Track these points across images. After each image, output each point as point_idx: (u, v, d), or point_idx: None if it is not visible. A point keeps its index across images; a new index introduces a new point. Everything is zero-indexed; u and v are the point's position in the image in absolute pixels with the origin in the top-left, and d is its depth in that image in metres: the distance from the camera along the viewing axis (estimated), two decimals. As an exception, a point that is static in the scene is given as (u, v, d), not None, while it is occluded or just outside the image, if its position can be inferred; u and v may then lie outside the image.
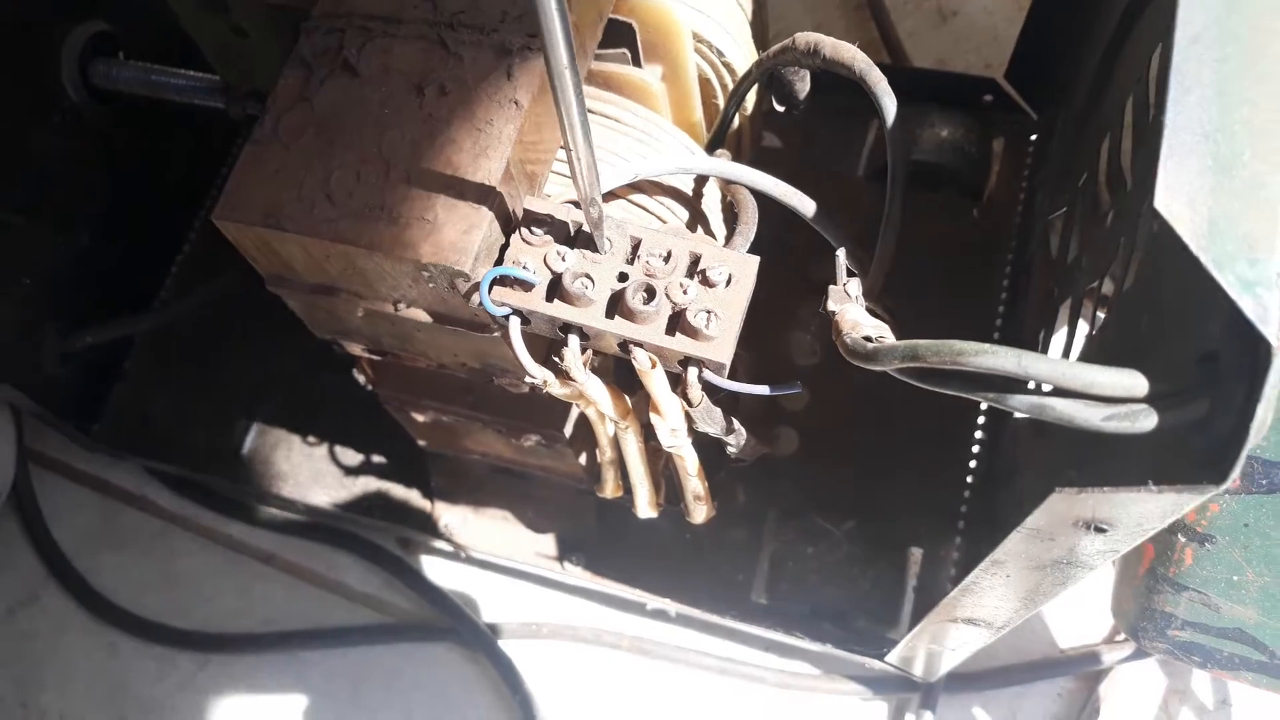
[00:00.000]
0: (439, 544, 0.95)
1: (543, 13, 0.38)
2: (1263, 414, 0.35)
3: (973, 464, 0.89)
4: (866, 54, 0.59)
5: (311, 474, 0.98)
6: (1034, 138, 1.01)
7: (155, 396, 1.03)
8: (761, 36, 0.75)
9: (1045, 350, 0.77)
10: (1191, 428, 0.39)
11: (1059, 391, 0.40)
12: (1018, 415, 0.54)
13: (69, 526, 1.06)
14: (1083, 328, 0.69)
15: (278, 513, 1.02)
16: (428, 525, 0.93)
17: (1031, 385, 0.41)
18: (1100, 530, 0.43)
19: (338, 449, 0.98)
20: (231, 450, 1.00)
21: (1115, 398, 0.39)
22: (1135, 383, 0.38)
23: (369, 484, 0.96)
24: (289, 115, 0.56)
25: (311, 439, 0.99)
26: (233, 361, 1.03)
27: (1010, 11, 1.19)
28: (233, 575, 1.03)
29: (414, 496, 0.95)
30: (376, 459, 0.97)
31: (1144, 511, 0.40)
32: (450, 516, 0.93)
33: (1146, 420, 0.39)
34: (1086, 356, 0.65)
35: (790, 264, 0.94)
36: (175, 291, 1.04)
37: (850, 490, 0.90)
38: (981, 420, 0.90)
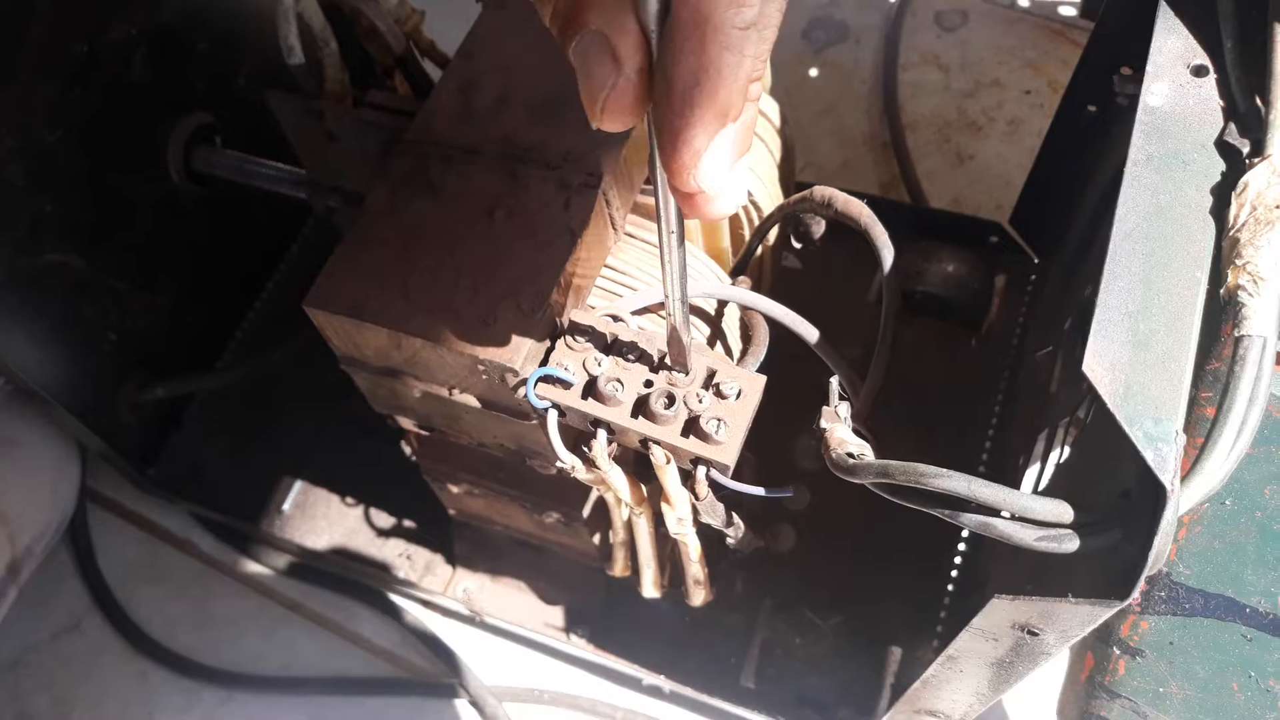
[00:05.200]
0: (456, 606, 1.02)
1: (660, 197, 0.46)
2: (1160, 545, 0.44)
3: (954, 573, 0.96)
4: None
5: (346, 532, 1.06)
6: (1033, 278, 1.11)
7: (209, 448, 1.12)
8: (788, 177, 0.85)
9: (1023, 474, 0.85)
10: (1108, 551, 0.47)
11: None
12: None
13: (115, 561, 1.15)
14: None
15: (309, 563, 1.11)
16: (448, 588, 1.01)
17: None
18: (1033, 634, 0.51)
19: (372, 511, 1.07)
20: (276, 504, 1.08)
21: (1046, 522, 0.47)
22: (1062, 510, 0.47)
23: (397, 546, 1.05)
24: (378, 224, 0.66)
25: (350, 500, 1.08)
26: (284, 422, 1.12)
27: (1021, 159, 1.30)
28: (260, 619, 1.11)
29: (437, 561, 1.03)
30: (407, 523, 1.05)
31: (1067, 619, 0.48)
32: (469, 582, 1.01)
33: (1071, 543, 0.47)
34: (1054, 481, 0.74)
35: (802, 373, 1.03)
36: (237, 352, 1.14)
37: (840, 588, 0.98)
38: (965, 533, 0.97)
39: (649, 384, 0.61)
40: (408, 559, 1.03)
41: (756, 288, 0.78)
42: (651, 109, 0.37)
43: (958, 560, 0.97)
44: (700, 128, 0.35)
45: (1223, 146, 0.51)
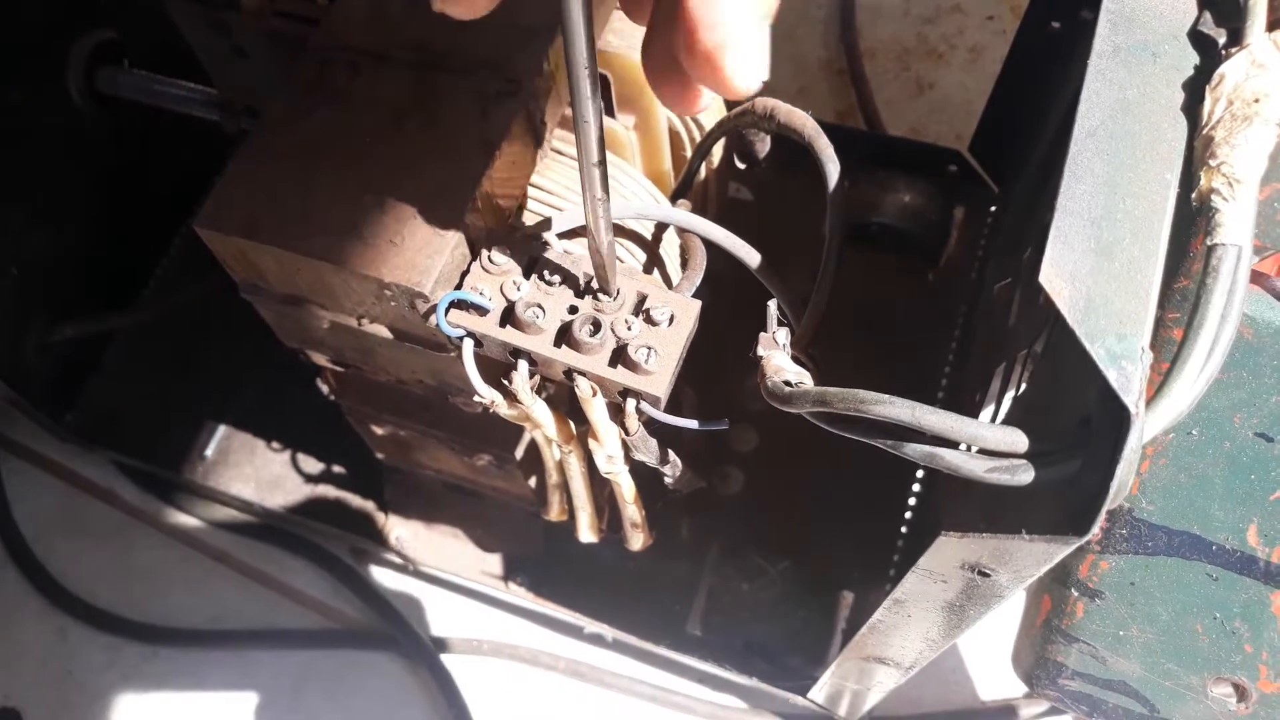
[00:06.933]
0: (389, 555, 0.97)
1: (573, 74, 0.40)
2: (1122, 474, 0.39)
3: (908, 514, 0.92)
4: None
5: (272, 478, 1.01)
6: (993, 209, 1.06)
7: (129, 392, 1.06)
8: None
9: (979, 410, 0.81)
10: (1065, 484, 0.43)
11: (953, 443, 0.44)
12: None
13: (32, 512, 1.09)
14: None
15: (236, 513, 1.05)
16: (379, 536, 0.96)
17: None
18: (984, 574, 0.47)
19: (300, 456, 1.01)
20: (197, 450, 1.02)
21: (998, 452, 0.43)
22: (1016, 439, 0.42)
23: (326, 492, 0.99)
24: (277, 135, 0.60)
25: (275, 445, 1.02)
26: (207, 364, 1.06)
27: (983, 88, 1.24)
28: (186, 571, 1.06)
29: (368, 508, 0.98)
30: (336, 469, 1.00)
31: (1020, 558, 0.44)
32: (402, 530, 0.96)
33: (1025, 474, 0.42)
34: (1010, 416, 0.69)
35: (755, 313, 0.98)
36: (158, 292, 1.07)
37: (790, 532, 0.94)
38: (920, 474, 0.93)
39: (574, 310, 0.56)
40: (337, 506, 0.98)
41: (701, 215, 0.72)
42: None
43: (912, 501, 0.93)
44: None
45: (1196, 37, 0.46)
